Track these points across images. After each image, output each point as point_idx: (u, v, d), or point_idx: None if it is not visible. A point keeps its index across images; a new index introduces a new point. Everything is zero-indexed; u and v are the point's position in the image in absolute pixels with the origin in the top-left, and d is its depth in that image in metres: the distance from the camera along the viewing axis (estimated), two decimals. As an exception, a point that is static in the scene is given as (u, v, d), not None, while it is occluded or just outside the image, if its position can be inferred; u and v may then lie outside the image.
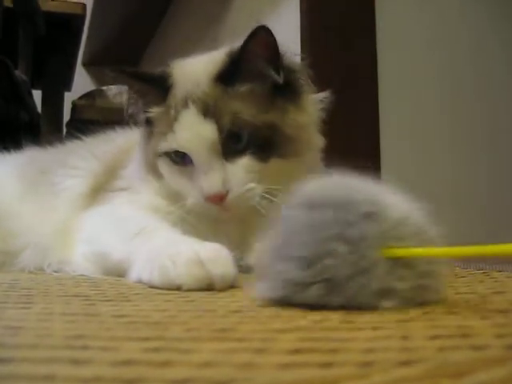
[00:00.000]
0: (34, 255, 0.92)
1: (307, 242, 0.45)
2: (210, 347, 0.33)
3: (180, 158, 0.81)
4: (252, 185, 0.78)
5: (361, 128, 1.65)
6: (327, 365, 0.28)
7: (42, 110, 2.38)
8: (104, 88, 2.45)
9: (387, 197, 0.47)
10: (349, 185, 0.48)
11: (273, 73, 0.80)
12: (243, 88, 0.80)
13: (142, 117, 0.88)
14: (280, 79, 0.81)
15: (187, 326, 0.39)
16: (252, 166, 0.79)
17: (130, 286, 0.65)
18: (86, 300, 0.54)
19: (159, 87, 0.84)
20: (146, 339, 0.35)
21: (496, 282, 0.63)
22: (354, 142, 1.60)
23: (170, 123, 0.80)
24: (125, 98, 2.40)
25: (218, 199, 0.77)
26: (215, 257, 0.62)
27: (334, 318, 0.41)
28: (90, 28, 3.70)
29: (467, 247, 0.44)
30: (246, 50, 0.79)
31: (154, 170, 0.86)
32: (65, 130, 2.45)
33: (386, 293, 0.44)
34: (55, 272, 0.88)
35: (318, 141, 0.87)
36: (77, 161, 1.03)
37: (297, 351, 0.31)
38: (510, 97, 1.86)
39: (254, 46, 0.79)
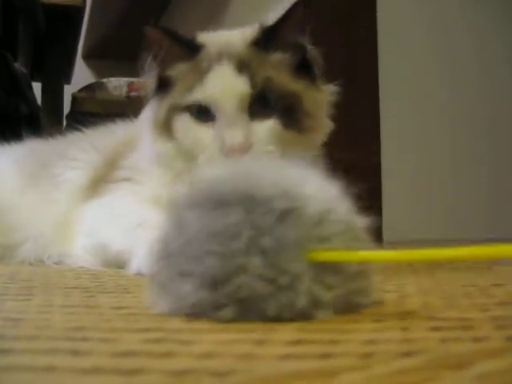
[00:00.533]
0: (34, 248, 0.93)
1: (211, 253, 0.37)
2: (210, 338, 0.33)
3: (203, 113, 0.80)
4: (272, 148, 0.78)
5: (360, 124, 1.65)
6: (327, 356, 0.28)
7: (41, 102, 2.37)
8: (104, 80, 2.44)
9: (308, 185, 0.40)
10: (260, 173, 0.40)
11: (306, 43, 0.83)
12: (277, 55, 0.82)
13: (157, 75, 0.87)
14: (311, 51, 0.84)
15: (187, 317, 0.39)
16: (275, 130, 0.79)
17: (129, 278, 0.65)
18: (86, 292, 0.54)
19: (190, 45, 0.84)
20: (146, 330, 0.35)
21: (495, 274, 0.63)
22: (354, 136, 1.60)
23: (200, 76, 0.80)
24: (124, 90, 2.39)
25: (240, 151, 0.76)
26: None
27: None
28: (89, 20, 3.70)
29: (393, 251, 0.39)
30: (284, 20, 0.81)
31: (166, 129, 0.84)
32: (65, 122, 2.45)
33: (313, 305, 0.37)
34: (55, 264, 0.88)
35: (328, 123, 0.87)
36: (77, 153, 1.03)
37: (297, 342, 0.31)
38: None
39: (292, 17, 0.81)
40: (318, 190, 0.40)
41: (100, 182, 0.94)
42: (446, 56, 1.82)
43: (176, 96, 0.83)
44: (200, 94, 0.79)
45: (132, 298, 0.50)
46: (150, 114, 0.87)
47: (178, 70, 0.84)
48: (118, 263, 0.77)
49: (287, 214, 0.37)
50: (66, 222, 0.92)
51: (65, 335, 0.34)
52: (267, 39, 0.82)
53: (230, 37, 0.86)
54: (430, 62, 1.79)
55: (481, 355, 0.28)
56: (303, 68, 0.84)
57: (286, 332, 0.34)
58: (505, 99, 1.84)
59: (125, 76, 2.55)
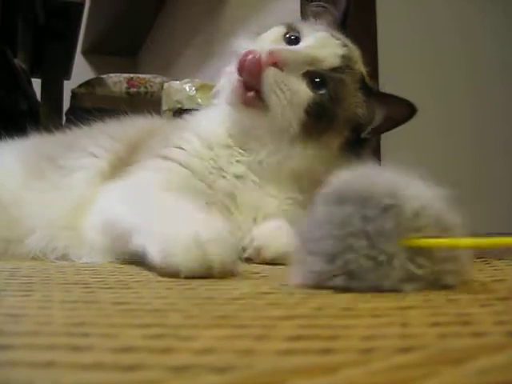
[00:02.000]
0: (40, 239, 0.91)
1: (330, 237, 0.48)
2: (210, 334, 0.33)
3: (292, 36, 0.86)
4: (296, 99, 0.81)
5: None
6: (327, 351, 0.28)
7: (41, 98, 2.37)
8: (104, 76, 2.45)
9: (408, 187, 0.49)
10: (370, 178, 0.50)
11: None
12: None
13: None
14: None
15: (187, 313, 0.40)
16: (308, 98, 0.82)
17: (130, 274, 0.65)
18: (86, 287, 0.54)
19: None
20: (146, 326, 0.35)
21: (496, 270, 0.63)
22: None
23: None
24: (124, 86, 2.39)
25: (275, 58, 0.79)
26: (216, 240, 0.60)
27: (334, 305, 0.41)
28: (89, 16, 3.70)
29: (484, 238, 0.46)
30: None
31: None
32: (64, 118, 2.45)
33: (407, 279, 0.46)
34: (58, 259, 0.87)
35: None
36: (89, 143, 1.01)
37: (297, 338, 0.31)
38: (503, 93, 1.86)
39: None
40: (417, 189, 0.49)
41: (121, 166, 0.91)
42: (445, 57, 1.82)
43: None
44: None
45: (132, 293, 0.50)
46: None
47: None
48: (124, 243, 0.72)
49: (389, 209, 0.47)
50: (79, 209, 0.90)
51: (65, 331, 0.34)
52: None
53: None
54: (430, 61, 1.79)
55: (481, 350, 0.28)
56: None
57: (286, 328, 0.34)
58: (497, 94, 1.84)
59: (124, 72, 2.55)
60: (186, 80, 1.89)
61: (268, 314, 0.39)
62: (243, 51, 0.82)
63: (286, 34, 0.87)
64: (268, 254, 0.77)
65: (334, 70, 0.84)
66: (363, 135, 0.87)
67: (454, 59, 1.87)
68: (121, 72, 2.51)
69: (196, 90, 1.83)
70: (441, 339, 0.30)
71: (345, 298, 0.44)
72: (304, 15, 0.92)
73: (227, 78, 0.86)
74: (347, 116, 0.85)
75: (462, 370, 0.25)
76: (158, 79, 2.45)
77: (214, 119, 0.93)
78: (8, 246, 0.93)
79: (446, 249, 0.47)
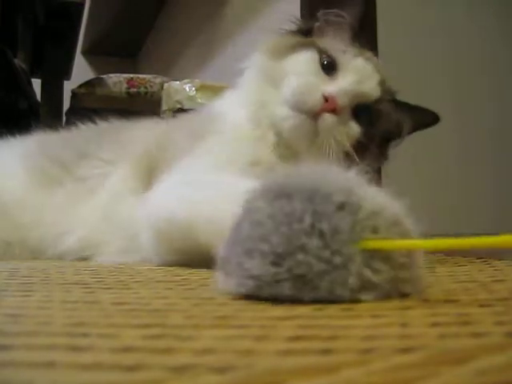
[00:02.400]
0: (73, 245, 0.91)
1: (275, 235, 0.42)
2: (210, 334, 0.33)
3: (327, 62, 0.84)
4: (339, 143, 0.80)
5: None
6: (327, 352, 0.28)
7: (41, 98, 2.37)
8: (104, 76, 2.44)
9: (362, 188, 0.45)
10: (320, 174, 0.46)
11: None
12: None
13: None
14: None
15: (187, 313, 0.40)
16: (358, 133, 0.83)
17: (130, 274, 0.65)
18: (86, 288, 0.54)
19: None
20: (146, 326, 0.35)
21: (496, 270, 0.63)
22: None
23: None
24: (124, 86, 2.39)
25: (331, 106, 0.78)
26: None
27: (334, 305, 0.41)
28: (89, 16, 3.70)
29: (443, 240, 0.42)
30: None
31: (275, 74, 0.86)
32: (64, 118, 2.45)
33: (363, 287, 0.41)
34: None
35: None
36: (99, 149, 1.01)
37: (297, 338, 0.31)
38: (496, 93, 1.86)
39: None
40: (372, 192, 0.45)
41: (153, 170, 0.88)
42: (449, 55, 1.82)
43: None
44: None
45: (132, 293, 0.50)
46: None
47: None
48: (185, 239, 0.69)
49: (343, 206, 0.42)
50: (108, 217, 0.90)
51: (65, 331, 0.34)
52: None
53: None
54: (430, 62, 1.80)
55: (480, 351, 0.28)
56: None
57: (286, 328, 0.34)
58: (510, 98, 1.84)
59: (124, 72, 2.55)
60: (185, 80, 1.89)
61: (268, 315, 0.39)
62: (297, 95, 0.80)
63: (320, 59, 0.85)
64: None
65: (377, 100, 0.85)
66: (392, 146, 0.90)
67: (454, 59, 1.87)
68: (121, 72, 2.51)
69: (196, 90, 1.83)
70: (440, 339, 0.30)
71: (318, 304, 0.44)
72: (318, 23, 0.90)
73: (291, 121, 0.81)
74: (385, 135, 0.88)
75: (462, 371, 0.25)
76: (158, 79, 2.45)
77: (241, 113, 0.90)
78: (8, 247, 0.93)
79: (405, 251, 0.43)
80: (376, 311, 0.38)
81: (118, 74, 2.46)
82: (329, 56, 0.85)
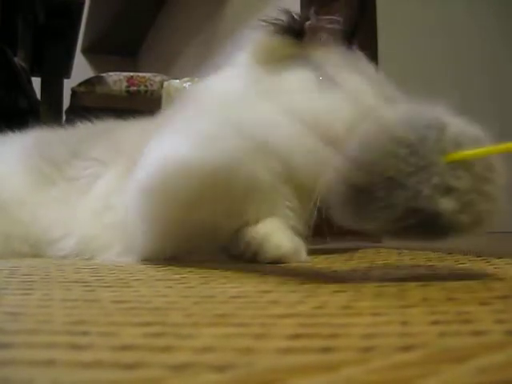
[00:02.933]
0: (72, 248, 0.90)
1: (372, 145, 0.48)
2: (210, 332, 0.33)
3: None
4: None
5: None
6: (327, 350, 0.28)
7: (41, 97, 2.37)
8: (104, 75, 2.44)
9: (448, 116, 0.50)
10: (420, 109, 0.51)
11: None
12: None
13: None
14: None
15: (187, 311, 0.40)
16: None
17: (129, 272, 0.65)
18: (86, 286, 0.54)
19: None
20: (146, 324, 0.35)
21: (496, 268, 0.63)
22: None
23: None
24: (124, 85, 2.39)
25: None
26: None
27: (334, 303, 0.41)
28: (89, 15, 3.69)
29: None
30: None
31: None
32: (64, 116, 2.45)
33: (445, 191, 0.46)
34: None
35: None
36: (93, 150, 1.00)
37: (297, 336, 0.31)
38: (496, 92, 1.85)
39: None
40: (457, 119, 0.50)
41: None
42: (449, 55, 1.82)
43: None
44: None
45: (132, 292, 0.50)
46: None
47: None
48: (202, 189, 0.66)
49: (431, 125, 0.48)
50: (102, 214, 0.89)
51: (65, 329, 0.34)
52: None
53: None
54: (430, 61, 1.79)
55: (480, 349, 0.28)
56: None
57: (286, 326, 0.34)
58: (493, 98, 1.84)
59: (124, 71, 2.54)
60: (185, 79, 1.89)
61: (268, 313, 0.39)
62: None
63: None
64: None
65: None
66: None
67: (454, 59, 1.87)
68: (121, 71, 2.51)
69: (196, 88, 1.83)
70: (441, 338, 0.30)
71: (344, 297, 0.44)
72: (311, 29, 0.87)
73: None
74: None
75: (462, 369, 0.25)
76: (158, 78, 2.45)
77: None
78: (7, 240, 0.94)
79: (487, 166, 0.48)
80: (376, 309, 0.38)
81: (117, 73, 2.46)
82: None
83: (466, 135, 0.49)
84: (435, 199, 0.46)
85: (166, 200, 0.71)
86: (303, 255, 0.74)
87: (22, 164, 1.02)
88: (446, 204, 0.46)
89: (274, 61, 0.85)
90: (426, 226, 0.47)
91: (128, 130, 1.04)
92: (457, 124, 0.49)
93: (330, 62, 0.84)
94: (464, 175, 0.47)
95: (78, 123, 1.11)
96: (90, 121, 1.10)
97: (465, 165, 0.47)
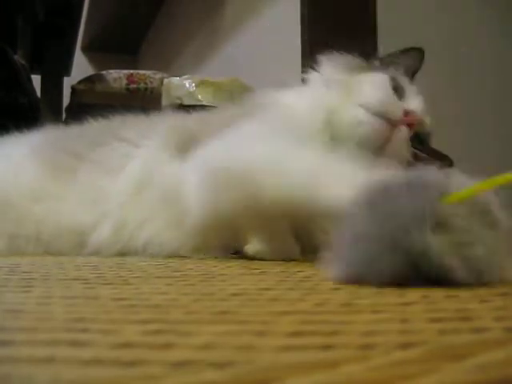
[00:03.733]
0: (109, 234, 0.89)
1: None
2: (210, 330, 0.33)
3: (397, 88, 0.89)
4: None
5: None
6: (327, 347, 0.28)
7: (41, 94, 2.37)
8: (103, 72, 2.44)
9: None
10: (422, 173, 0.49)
11: None
12: None
13: None
14: None
15: (187, 308, 0.40)
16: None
17: (129, 269, 0.65)
18: (86, 283, 0.54)
19: None
20: (146, 322, 0.35)
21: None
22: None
23: None
24: (124, 82, 2.39)
25: (411, 120, 0.84)
26: None
27: (334, 301, 0.41)
28: (88, 13, 3.69)
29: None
30: None
31: (348, 84, 0.89)
32: (64, 114, 2.45)
33: (436, 226, 0.44)
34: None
35: None
36: (124, 133, 0.99)
37: (297, 334, 0.31)
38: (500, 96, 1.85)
39: None
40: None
41: (191, 141, 0.85)
42: (449, 54, 1.82)
43: None
44: None
45: (132, 289, 0.50)
46: None
47: None
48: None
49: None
50: (144, 195, 0.87)
51: (65, 327, 0.34)
52: None
53: None
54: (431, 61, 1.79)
55: (480, 346, 0.28)
56: None
57: (286, 323, 0.34)
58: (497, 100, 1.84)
59: (124, 68, 2.54)
60: (185, 76, 1.89)
61: (268, 310, 0.39)
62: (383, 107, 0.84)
63: (391, 82, 0.88)
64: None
65: (427, 133, 0.91)
66: None
67: (453, 61, 1.87)
68: (121, 69, 2.51)
69: (196, 86, 1.83)
70: (440, 335, 0.30)
71: (344, 294, 0.44)
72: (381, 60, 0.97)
73: (370, 124, 0.84)
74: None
75: (462, 366, 0.25)
76: (158, 75, 2.45)
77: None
78: (15, 241, 0.93)
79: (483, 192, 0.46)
80: (376, 307, 0.38)
81: (117, 70, 2.46)
82: (398, 83, 0.89)
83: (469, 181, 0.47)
84: (423, 233, 0.44)
85: (223, 195, 0.72)
86: None
87: (34, 159, 1.00)
88: (435, 240, 0.44)
89: (353, 70, 0.92)
90: (415, 267, 0.45)
91: (159, 117, 1.04)
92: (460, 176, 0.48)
93: (400, 77, 0.91)
94: (460, 213, 0.45)
95: (89, 120, 1.09)
96: (102, 117, 1.09)
97: (463, 204, 0.46)
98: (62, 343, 0.30)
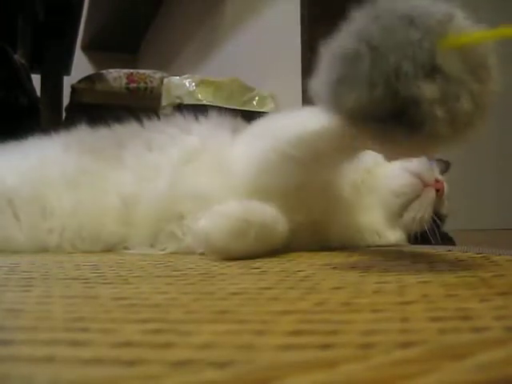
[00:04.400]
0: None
1: (369, 15, 0.45)
2: (210, 329, 0.33)
3: None
4: None
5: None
6: (327, 346, 0.28)
7: (41, 94, 2.37)
8: (103, 72, 2.44)
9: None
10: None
11: None
12: None
13: None
14: None
15: (187, 308, 0.40)
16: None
17: (129, 269, 0.65)
18: (86, 283, 0.54)
19: None
20: (146, 321, 0.35)
21: (496, 265, 0.63)
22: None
23: None
24: (124, 82, 2.39)
25: (440, 186, 0.93)
26: None
27: (334, 300, 0.41)
28: (88, 12, 3.69)
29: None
30: None
31: None
32: (64, 113, 2.45)
33: (429, 72, 0.43)
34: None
35: None
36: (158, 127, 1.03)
37: (297, 333, 0.31)
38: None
39: None
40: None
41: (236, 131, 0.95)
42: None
43: None
44: None
45: (132, 288, 0.50)
46: None
47: None
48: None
49: (440, 11, 0.45)
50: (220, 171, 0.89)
51: (64, 326, 0.34)
52: None
53: None
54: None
55: (480, 345, 0.28)
56: None
57: (286, 323, 0.34)
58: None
59: (124, 68, 2.54)
60: (185, 75, 1.89)
61: (268, 309, 0.39)
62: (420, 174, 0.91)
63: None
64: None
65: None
66: None
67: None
68: (121, 68, 2.50)
69: (196, 85, 1.83)
70: (440, 334, 0.30)
71: (344, 293, 0.44)
72: None
73: (405, 179, 0.92)
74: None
75: (462, 365, 0.25)
76: (158, 75, 2.45)
77: None
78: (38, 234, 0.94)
79: (483, 51, 0.44)
80: (376, 306, 0.38)
81: (117, 70, 2.46)
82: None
83: (472, 27, 0.45)
84: (415, 80, 0.42)
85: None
86: None
87: (72, 152, 1.01)
88: (426, 89, 0.42)
89: None
90: (401, 115, 0.43)
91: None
92: (465, 20, 0.45)
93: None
94: (455, 61, 0.43)
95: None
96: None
97: (460, 52, 0.43)
98: (62, 342, 0.30)
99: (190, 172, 0.91)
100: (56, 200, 0.96)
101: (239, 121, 1.02)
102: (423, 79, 0.42)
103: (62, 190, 0.96)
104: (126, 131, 1.05)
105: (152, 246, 0.91)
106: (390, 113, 0.43)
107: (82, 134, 1.07)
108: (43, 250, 0.93)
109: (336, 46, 0.46)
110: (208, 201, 0.82)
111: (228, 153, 0.89)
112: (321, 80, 0.47)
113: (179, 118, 1.05)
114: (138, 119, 1.06)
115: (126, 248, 0.93)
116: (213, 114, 1.02)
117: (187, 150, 0.95)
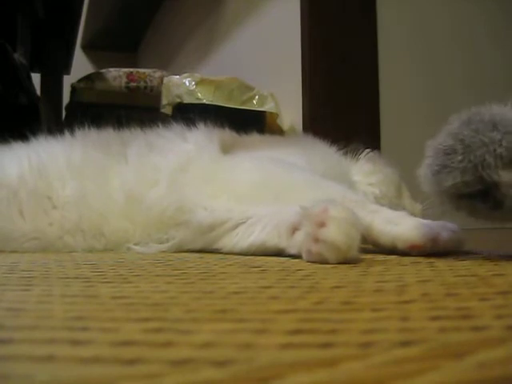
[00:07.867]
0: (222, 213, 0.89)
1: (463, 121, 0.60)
2: (210, 328, 0.33)
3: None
4: None
5: (360, 113, 1.65)
6: (327, 345, 0.28)
7: (41, 93, 2.37)
8: (103, 71, 2.44)
9: None
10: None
11: None
12: None
13: None
14: None
15: (187, 307, 0.40)
16: None
17: (129, 268, 0.65)
18: (86, 282, 0.54)
19: None
20: (146, 320, 0.35)
21: (496, 265, 0.63)
22: (355, 122, 1.60)
23: None
24: (124, 81, 2.39)
25: None
26: None
27: (334, 299, 0.41)
28: (88, 11, 3.69)
29: None
30: None
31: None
32: (64, 112, 2.45)
33: (508, 163, 0.56)
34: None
35: None
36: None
37: (297, 332, 0.31)
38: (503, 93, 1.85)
39: None
40: None
41: (227, 147, 0.99)
42: (445, 58, 1.81)
43: None
44: None
45: (132, 287, 0.50)
46: None
47: None
48: None
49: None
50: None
51: (65, 325, 0.34)
52: None
53: None
54: (430, 62, 1.79)
55: (481, 344, 0.28)
56: None
57: (286, 322, 0.34)
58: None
59: (124, 66, 2.54)
60: (185, 74, 1.88)
61: (268, 308, 0.39)
62: None
63: None
64: None
65: None
66: None
67: (454, 60, 1.87)
68: (120, 67, 2.50)
69: (196, 84, 1.83)
70: (441, 333, 0.30)
71: (344, 292, 0.44)
72: None
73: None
74: None
75: (462, 364, 0.25)
76: (158, 74, 2.45)
77: None
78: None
79: None
80: (376, 305, 0.38)
81: (117, 69, 2.46)
82: None
83: None
84: (496, 169, 0.54)
85: None
86: None
87: (80, 148, 1.03)
88: (504, 176, 0.54)
89: None
90: (486, 195, 0.56)
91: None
92: None
93: None
94: None
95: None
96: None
97: None
98: (62, 341, 0.30)
99: (184, 181, 0.93)
100: (60, 189, 0.96)
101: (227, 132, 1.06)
102: (502, 168, 0.55)
103: (67, 179, 0.97)
104: (129, 133, 1.07)
105: (153, 244, 0.91)
106: (477, 193, 0.57)
107: (88, 134, 1.08)
108: (46, 243, 0.93)
109: (437, 143, 0.61)
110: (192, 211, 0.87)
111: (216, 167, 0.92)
112: (426, 169, 0.62)
113: (176, 127, 1.07)
114: (138, 119, 1.07)
115: (128, 246, 0.93)
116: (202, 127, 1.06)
117: (182, 159, 0.97)
